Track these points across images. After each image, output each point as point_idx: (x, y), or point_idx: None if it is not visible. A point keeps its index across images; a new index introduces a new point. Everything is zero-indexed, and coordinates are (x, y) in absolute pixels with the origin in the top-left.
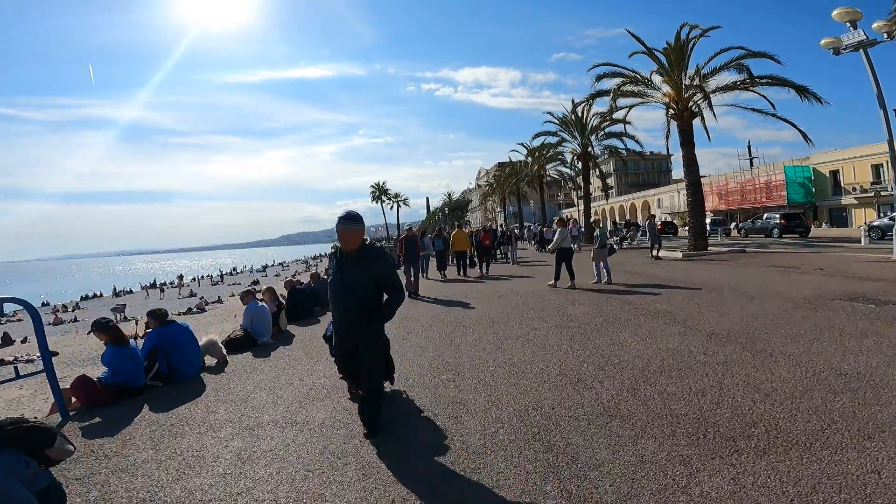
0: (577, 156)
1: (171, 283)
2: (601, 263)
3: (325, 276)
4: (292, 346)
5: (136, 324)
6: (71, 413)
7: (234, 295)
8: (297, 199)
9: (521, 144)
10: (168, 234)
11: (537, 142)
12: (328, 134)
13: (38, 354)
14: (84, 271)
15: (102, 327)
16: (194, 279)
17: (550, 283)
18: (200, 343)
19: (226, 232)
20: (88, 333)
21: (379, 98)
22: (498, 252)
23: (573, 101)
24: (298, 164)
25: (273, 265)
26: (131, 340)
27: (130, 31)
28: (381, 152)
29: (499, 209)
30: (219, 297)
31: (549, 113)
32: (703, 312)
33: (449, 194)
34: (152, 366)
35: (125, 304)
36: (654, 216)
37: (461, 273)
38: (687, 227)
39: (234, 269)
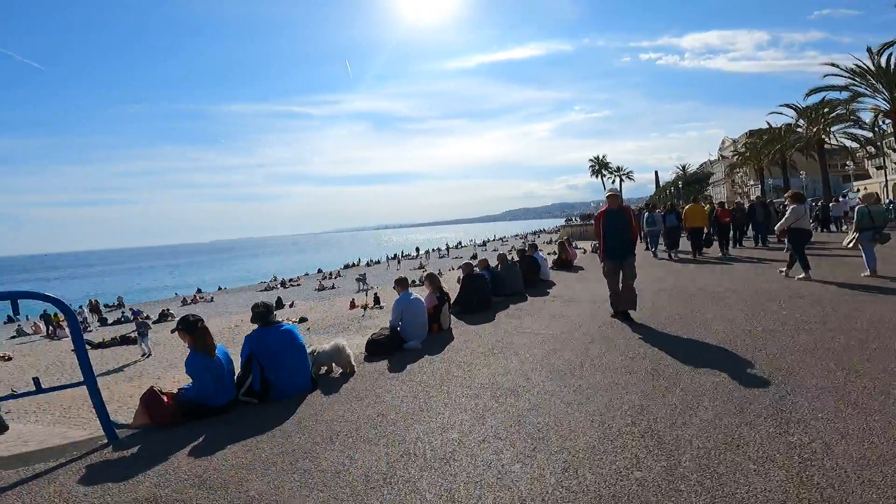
0: (882, 114)
1: (407, 255)
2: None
3: (513, 260)
4: (444, 356)
5: (366, 294)
6: (126, 434)
7: (452, 269)
8: (518, 177)
9: (788, 106)
10: (410, 212)
11: (812, 100)
12: (542, 112)
13: (144, 354)
14: (349, 243)
15: (187, 327)
16: (426, 252)
17: (783, 270)
18: (324, 348)
19: (456, 209)
20: (172, 332)
21: (592, 72)
22: (747, 230)
23: (868, 50)
24: (516, 143)
25: (493, 240)
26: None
27: (366, 30)
28: (598, 126)
29: (752, 182)
30: (439, 270)
31: (833, 65)
32: None
33: (683, 167)
34: (246, 378)
35: (365, 274)
36: None
37: (695, 254)
38: None
39: (460, 243)
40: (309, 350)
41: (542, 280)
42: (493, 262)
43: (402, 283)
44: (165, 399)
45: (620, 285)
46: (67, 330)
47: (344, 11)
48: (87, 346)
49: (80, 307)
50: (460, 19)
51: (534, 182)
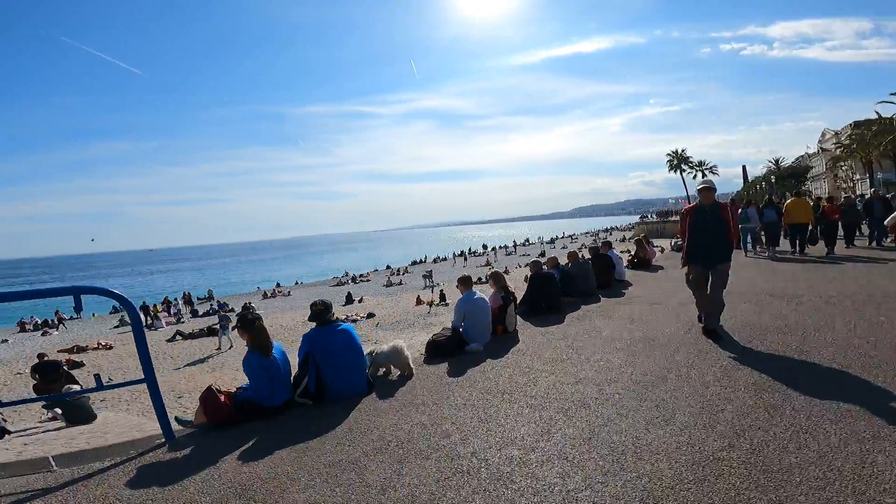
0: None
1: (474, 252)
2: None
3: (585, 258)
4: (507, 360)
5: (432, 291)
6: (184, 433)
7: (519, 266)
8: (587, 173)
9: None
10: (477, 208)
11: None
12: (614, 106)
13: (218, 347)
14: (417, 240)
15: (245, 324)
16: (493, 249)
17: None
18: (382, 349)
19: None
20: (233, 329)
21: (667, 65)
22: (858, 230)
23: None
24: (585, 138)
25: (562, 237)
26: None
27: (429, 29)
28: (676, 120)
29: (857, 176)
30: (506, 267)
31: None
32: None
33: (776, 160)
34: (302, 378)
35: (432, 271)
36: None
37: (799, 252)
38: None
39: (527, 241)
40: (367, 351)
41: (618, 280)
42: (563, 261)
43: (465, 282)
44: (223, 398)
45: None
46: (164, 321)
47: (407, 12)
48: (179, 337)
49: (176, 299)
50: (522, 14)
51: (605, 178)
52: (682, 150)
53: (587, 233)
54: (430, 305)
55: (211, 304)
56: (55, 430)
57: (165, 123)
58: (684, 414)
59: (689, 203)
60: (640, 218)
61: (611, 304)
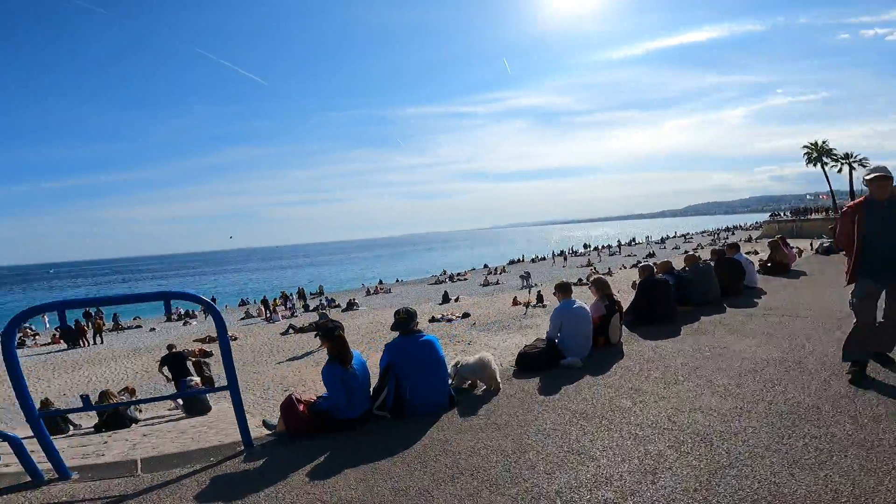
0: None
1: (574, 252)
2: None
3: (706, 262)
4: (609, 378)
5: (529, 292)
6: (263, 441)
7: (624, 267)
8: (704, 168)
9: None
10: (579, 206)
11: None
12: (735, 97)
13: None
14: (516, 239)
15: (325, 333)
16: (595, 248)
17: None
18: (468, 361)
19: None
20: (315, 336)
21: (796, 53)
22: None
23: None
24: (701, 132)
25: (674, 237)
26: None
27: (522, 26)
28: (812, 110)
29: None
30: (609, 269)
31: None
32: None
33: None
34: (382, 390)
35: (529, 273)
36: None
37: None
38: None
39: (633, 240)
40: (452, 362)
41: (748, 287)
42: (679, 264)
43: (563, 289)
44: (301, 407)
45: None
46: (280, 315)
47: (500, 11)
48: (292, 330)
49: (291, 294)
50: (619, 7)
51: (724, 173)
52: (824, 142)
53: (704, 232)
54: (527, 306)
55: (320, 300)
56: (176, 419)
57: (286, 129)
58: (845, 455)
59: (832, 199)
60: (771, 216)
61: (739, 315)
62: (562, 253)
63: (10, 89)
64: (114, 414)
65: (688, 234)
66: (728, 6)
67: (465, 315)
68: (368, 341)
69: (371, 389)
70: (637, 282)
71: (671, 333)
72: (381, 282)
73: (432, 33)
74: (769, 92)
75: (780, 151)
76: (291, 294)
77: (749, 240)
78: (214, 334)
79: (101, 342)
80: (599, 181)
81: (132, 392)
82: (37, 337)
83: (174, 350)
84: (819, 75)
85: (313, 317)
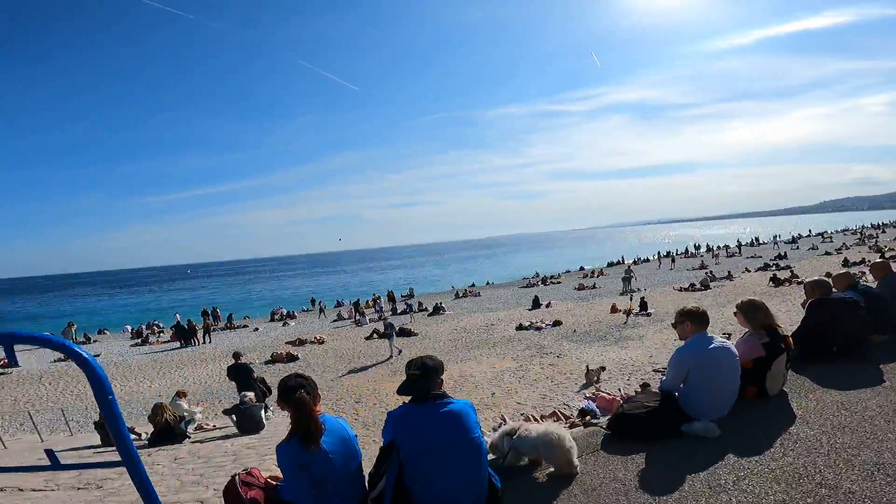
0: None
1: (682, 253)
2: None
3: None
4: (770, 459)
5: (631, 299)
6: None
7: (748, 271)
8: (841, 160)
9: None
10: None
11: None
12: (873, 83)
13: (389, 354)
14: (614, 239)
15: (282, 393)
16: (710, 249)
17: None
18: (528, 433)
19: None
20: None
21: None
22: None
23: None
24: (835, 121)
25: (809, 235)
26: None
27: (614, 18)
28: None
29: None
30: (729, 272)
31: None
32: None
33: None
34: (379, 478)
35: (632, 274)
36: None
37: None
38: None
39: (756, 240)
40: (505, 428)
41: None
42: (867, 278)
43: (694, 318)
44: (254, 494)
45: None
46: (367, 317)
47: (582, 5)
48: (375, 335)
49: (379, 297)
50: None
51: (868, 165)
52: None
53: (846, 230)
54: (628, 315)
55: (407, 303)
56: (230, 436)
57: (381, 134)
58: None
59: None
60: None
61: None
62: (668, 254)
63: (133, 102)
64: (166, 427)
65: (825, 232)
66: None
67: (557, 323)
68: (451, 349)
69: (368, 475)
70: (808, 301)
71: (868, 378)
72: (473, 285)
73: (510, 32)
74: None
75: None
76: (379, 297)
77: None
78: (304, 337)
79: (210, 341)
80: (713, 177)
81: (182, 395)
82: (161, 334)
83: (239, 361)
84: None
85: (398, 320)
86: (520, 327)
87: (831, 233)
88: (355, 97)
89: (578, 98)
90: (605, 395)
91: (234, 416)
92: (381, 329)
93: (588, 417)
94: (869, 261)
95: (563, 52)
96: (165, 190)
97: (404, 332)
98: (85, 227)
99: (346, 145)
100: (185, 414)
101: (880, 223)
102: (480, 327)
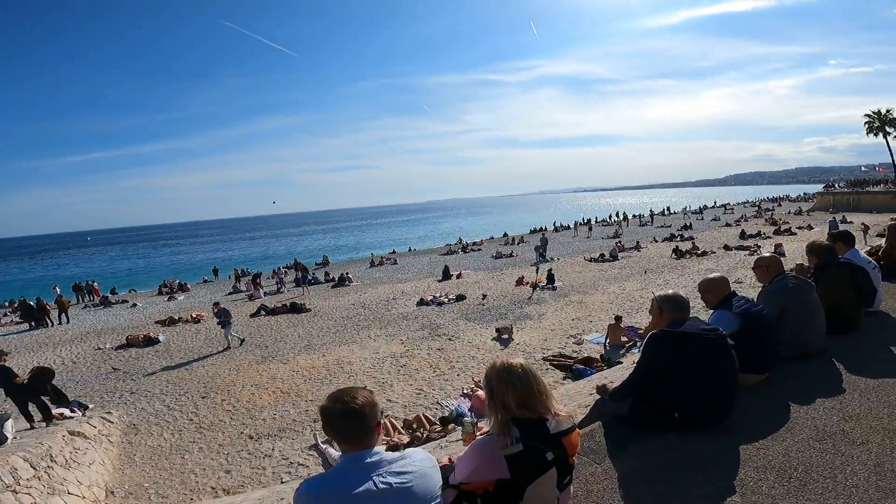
0: None
1: (601, 221)
2: None
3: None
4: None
5: (538, 270)
6: None
7: (656, 240)
8: (748, 138)
9: None
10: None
11: None
12: (781, 68)
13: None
14: (544, 205)
15: None
16: (624, 218)
17: None
18: None
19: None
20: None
21: (850, 25)
22: None
23: None
24: (745, 102)
25: (713, 206)
26: None
27: None
28: (868, 82)
29: None
30: (637, 242)
31: None
32: None
33: None
34: None
35: (546, 242)
36: None
37: None
38: None
39: (667, 209)
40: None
41: (868, 312)
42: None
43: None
44: None
45: None
46: (262, 291)
47: None
48: (263, 312)
49: (282, 267)
50: None
51: (769, 144)
52: (888, 111)
53: (746, 202)
54: (534, 288)
55: (312, 274)
56: None
57: (317, 99)
58: None
59: None
60: (825, 187)
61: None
62: (587, 222)
63: (60, 64)
64: None
65: (728, 203)
66: None
67: (461, 297)
68: (339, 328)
69: None
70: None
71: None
72: (393, 251)
73: (451, 2)
74: (820, 63)
75: (831, 122)
76: (282, 267)
77: (799, 212)
78: (177, 315)
79: (67, 321)
80: (635, 150)
81: None
82: (8, 314)
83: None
84: (874, 48)
85: (301, 294)
86: (421, 302)
87: (734, 205)
88: (291, 61)
89: (515, 69)
90: (481, 393)
91: None
92: (270, 306)
93: (450, 427)
94: (764, 233)
95: (503, 24)
96: (61, 153)
97: (294, 308)
98: None
99: (278, 108)
100: None
101: (776, 197)
102: (381, 302)
